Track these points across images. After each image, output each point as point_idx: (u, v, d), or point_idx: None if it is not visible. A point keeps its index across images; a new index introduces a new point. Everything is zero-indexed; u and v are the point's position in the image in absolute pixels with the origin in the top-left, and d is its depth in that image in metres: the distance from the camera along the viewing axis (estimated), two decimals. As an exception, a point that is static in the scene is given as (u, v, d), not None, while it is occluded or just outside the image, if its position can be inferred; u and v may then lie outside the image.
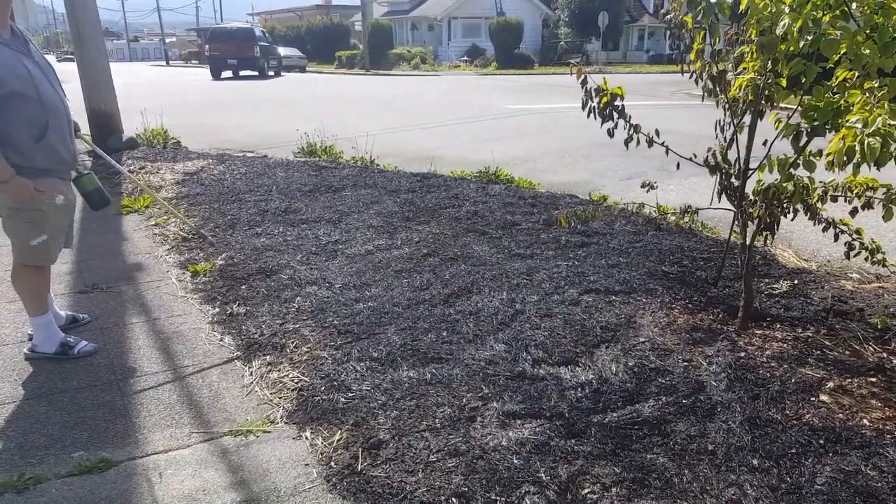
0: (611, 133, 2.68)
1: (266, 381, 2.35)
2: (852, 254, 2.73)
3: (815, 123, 2.23)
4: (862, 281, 3.33)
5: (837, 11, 2.09)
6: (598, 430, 1.97)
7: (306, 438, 2.00)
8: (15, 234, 2.40)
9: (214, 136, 8.53)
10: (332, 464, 1.86)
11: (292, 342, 2.61)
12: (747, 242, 2.73)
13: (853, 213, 2.53)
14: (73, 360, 2.51)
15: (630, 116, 2.69)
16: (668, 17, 2.65)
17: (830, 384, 2.23)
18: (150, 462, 1.90)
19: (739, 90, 2.48)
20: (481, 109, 12.08)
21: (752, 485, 1.73)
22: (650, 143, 2.68)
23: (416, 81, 21.70)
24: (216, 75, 23.05)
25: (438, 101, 14.21)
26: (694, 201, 3.37)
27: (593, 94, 2.65)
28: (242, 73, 23.38)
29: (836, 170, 2.21)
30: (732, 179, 2.70)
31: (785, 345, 2.53)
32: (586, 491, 1.71)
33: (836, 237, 2.70)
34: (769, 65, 2.33)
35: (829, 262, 3.72)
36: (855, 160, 2.11)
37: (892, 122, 2.07)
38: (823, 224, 2.69)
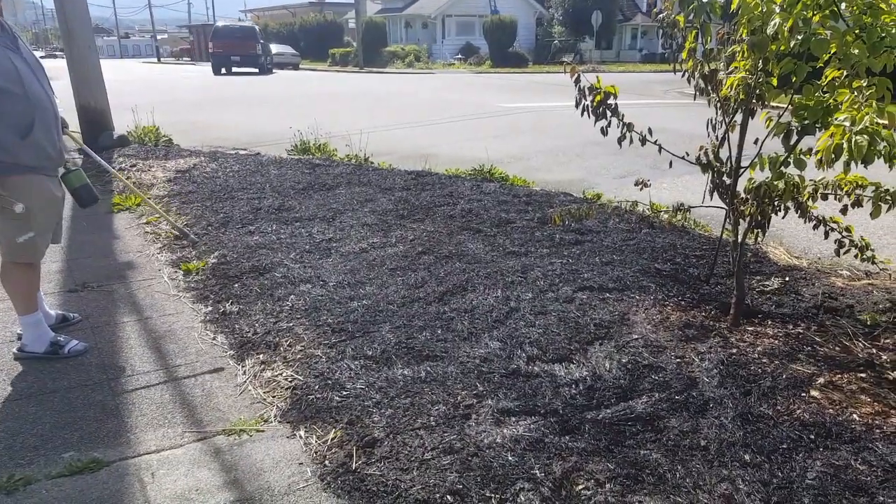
0: (604, 131, 2.69)
1: (259, 379, 2.35)
2: (842, 251, 2.76)
3: (806, 122, 2.25)
4: (852, 278, 3.36)
5: (827, 11, 2.11)
6: (592, 426, 1.98)
7: (300, 437, 1.99)
8: (2, 232, 2.38)
9: (207, 133, 8.48)
10: (327, 462, 1.86)
11: (286, 341, 2.60)
12: (739, 240, 2.75)
13: (843, 210, 2.56)
14: (64, 359, 2.49)
15: (623, 115, 2.70)
16: (661, 16, 2.66)
17: (821, 380, 2.25)
18: (143, 462, 1.89)
19: (731, 89, 2.49)
20: (475, 107, 12.07)
21: (744, 479, 1.75)
22: (643, 141, 2.69)
23: (411, 79, 21.65)
24: (217, 71, 24.22)
25: (432, 98, 14.19)
26: (687, 199, 3.39)
27: (587, 93, 2.65)
28: (242, 69, 24.48)
29: (826, 168, 2.23)
30: (724, 178, 2.72)
31: (776, 341, 2.55)
32: (580, 487, 1.72)
33: (827, 234, 2.73)
34: (760, 64, 2.35)
35: (819, 259, 3.75)
36: (843, 158, 2.14)
37: (879, 121, 2.10)
38: (814, 222, 2.72)
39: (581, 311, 2.83)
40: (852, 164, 2.15)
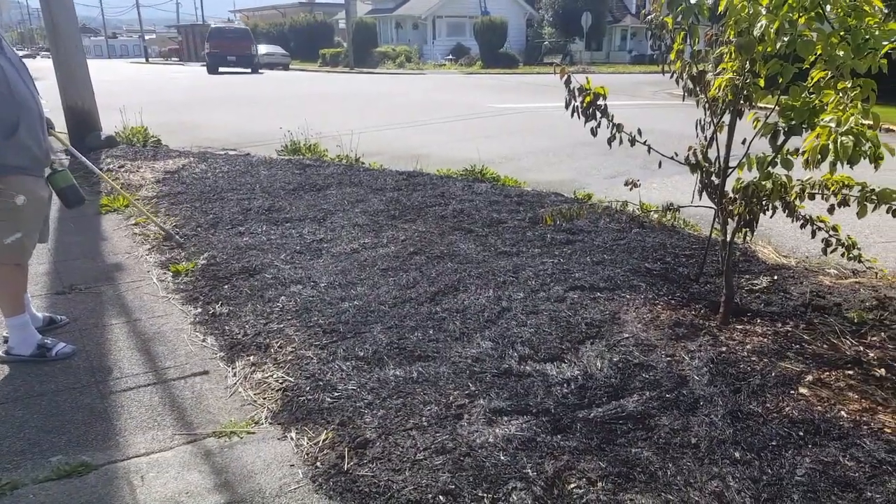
0: (594, 132, 2.70)
1: (250, 381, 2.33)
2: (829, 250, 2.79)
3: (792, 123, 2.28)
4: (839, 276, 3.41)
5: (812, 13, 2.14)
6: (584, 425, 1.99)
7: (291, 439, 1.98)
8: (-12, 233, 2.34)
9: (196, 133, 8.41)
10: (318, 464, 1.85)
11: (276, 342, 2.59)
12: (728, 239, 2.77)
13: (830, 210, 2.59)
14: (51, 362, 2.46)
15: (613, 116, 2.72)
16: (650, 17, 2.68)
17: (809, 377, 2.28)
18: (132, 465, 1.87)
19: (719, 90, 2.52)
20: (466, 108, 12.08)
21: (734, 477, 1.76)
22: (633, 142, 2.71)
23: (401, 80, 21.64)
24: (213, 71, 24.96)
25: (423, 99, 14.19)
26: (676, 199, 3.42)
27: (577, 94, 2.67)
28: (232, 70, 25.33)
29: (812, 168, 2.26)
30: (713, 178, 2.74)
31: (765, 339, 2.58)
32: (572, 486, 1.73)
33: (814, 234, 2.76)
34: (747, 65, 2.37)
35: (807, 258, 3.80)
36: (829, 158, 2.16)
37: (864, 122, 2.13)
38: (801, 221, 2.75)
39: (572, 311, 2.84)
40: (838, 165, 2.18)
